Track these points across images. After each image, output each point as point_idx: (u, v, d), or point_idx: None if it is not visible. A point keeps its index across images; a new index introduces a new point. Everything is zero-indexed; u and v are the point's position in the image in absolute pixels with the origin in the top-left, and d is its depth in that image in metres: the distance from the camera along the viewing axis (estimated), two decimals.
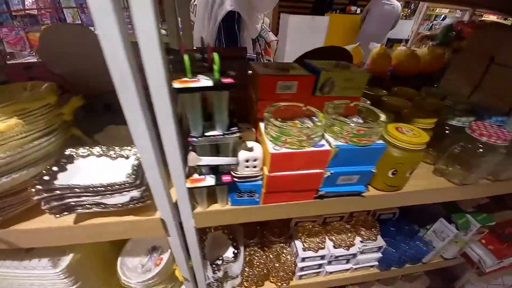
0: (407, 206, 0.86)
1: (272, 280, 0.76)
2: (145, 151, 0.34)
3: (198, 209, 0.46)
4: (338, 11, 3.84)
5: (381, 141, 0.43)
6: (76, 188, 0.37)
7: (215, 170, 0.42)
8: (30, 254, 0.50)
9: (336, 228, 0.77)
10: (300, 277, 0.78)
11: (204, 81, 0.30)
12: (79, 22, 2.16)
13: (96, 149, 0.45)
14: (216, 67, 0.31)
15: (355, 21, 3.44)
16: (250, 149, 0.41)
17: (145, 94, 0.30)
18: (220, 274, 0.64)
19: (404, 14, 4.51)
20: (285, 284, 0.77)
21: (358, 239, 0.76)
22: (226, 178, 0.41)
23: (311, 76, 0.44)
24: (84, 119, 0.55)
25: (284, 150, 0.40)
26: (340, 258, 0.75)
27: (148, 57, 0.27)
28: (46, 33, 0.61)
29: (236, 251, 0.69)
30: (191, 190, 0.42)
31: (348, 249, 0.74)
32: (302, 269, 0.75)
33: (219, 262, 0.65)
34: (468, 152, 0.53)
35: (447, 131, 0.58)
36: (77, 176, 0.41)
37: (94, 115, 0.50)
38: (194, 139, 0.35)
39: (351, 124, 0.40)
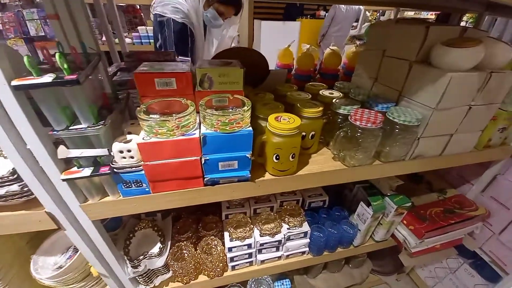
0: (335, 193, 0.92)
1: (205, 273, 0.79)
2: (5, 146, 0.37)
3: (89, 202, 0.49)
4: (308, 16, 4.00)
5: (248, 128, 0.48)
6: None
7: (97, 162, 0.46)
8: None
9: (264, 218, 0.81)
10: (233, 267, 0.81)
11: (44, 78, 0.34)
12: (43, 34, 2.17)
13: None
14: (61, 66, 0.35)
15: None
16: (129, 141, 0.45)
17: None
18: (140, 269, 0.66)
19: (374, 18, 4.75)
20: (218, 276, 0.80)
21: (285, 226, 0.81)
22: (103, 169, 0.44)
23: (187, 73, 0.49)
24: None
25: (153, 139, 0.44)
26: (267, 245, 0.78)
27: None
28: None
29: (162, 246, 0.72)
30: (75, 184, 0.46)
31: (273, 236, 0.78)
32: (232, 259, 0.78)
33: (141, 257, 0.67)
34: (350, 136, 0.58)
35: (339, 120, 0.64)
36: None
37: None
38: (54, 132, 0.39)
39: (208, 112, 0.45)
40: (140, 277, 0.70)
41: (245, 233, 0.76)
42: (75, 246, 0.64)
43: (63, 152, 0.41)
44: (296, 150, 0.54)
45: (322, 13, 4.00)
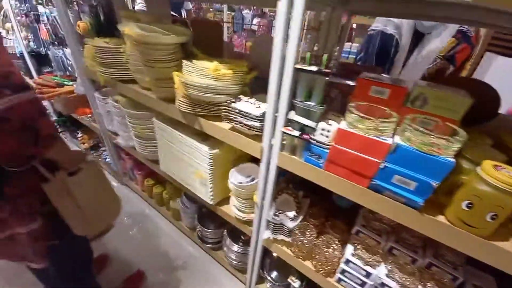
0: None
1: (313, 262, 0.86)
2: (270, 103, 0.63)
3: (284, 152, 0.70)
4: None
5: (451, 159, 0.44)
6: (234, 109, 0.74)
7: (303, 130, 0.64)
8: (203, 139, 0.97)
9: (399, 263, 0.71)
10: (339, 280, 0.80)
11: (311, 67, 0.53)
12: None
13: (251, 100, 0.82)
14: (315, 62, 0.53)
15: None
16: (329, 125, 0.59)
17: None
18: (277, 219, 0.85)
19: None
20: (322, 274, 0.83)
21: None
22: (304, 137, 0.62)
23: (403, 88, 0.53)
24: (255, 85, 0.93)
25: (351, 130, 0.54)
26: None
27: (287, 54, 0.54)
28: (256, 41, 1.07)
29: (296, 215, 0.87)
30: (282, 136, 0.67)
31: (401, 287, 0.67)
32: (343, 272, 0.78)
33: (281, 211, 0.86)
34: None
35: None
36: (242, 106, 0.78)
37: (260, 85, 0.85)
38: (295, 101, 0.59)
39: (413, 127, 0.46)
40: (272, 224, 0.90)
41: (372, 260, 0.72)
42: (253, 177, 0.94)
43: (291, 114, 0.62)
44: (503, 212, 0.43)
45: None
